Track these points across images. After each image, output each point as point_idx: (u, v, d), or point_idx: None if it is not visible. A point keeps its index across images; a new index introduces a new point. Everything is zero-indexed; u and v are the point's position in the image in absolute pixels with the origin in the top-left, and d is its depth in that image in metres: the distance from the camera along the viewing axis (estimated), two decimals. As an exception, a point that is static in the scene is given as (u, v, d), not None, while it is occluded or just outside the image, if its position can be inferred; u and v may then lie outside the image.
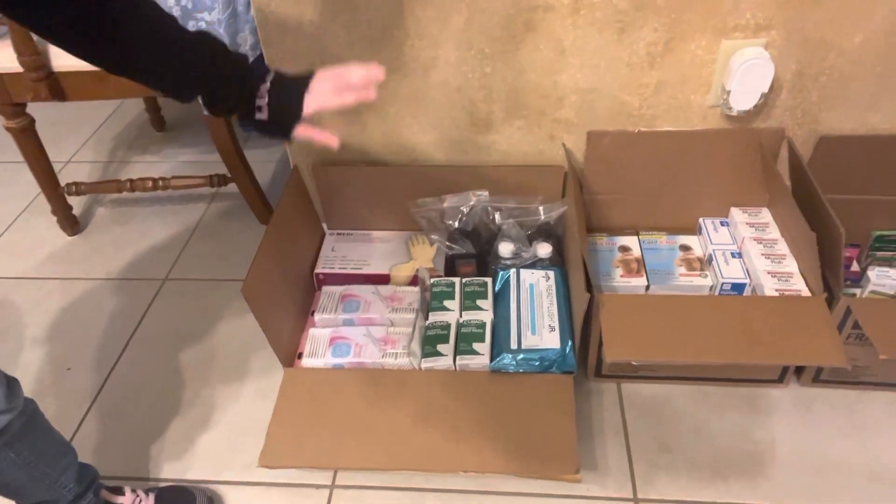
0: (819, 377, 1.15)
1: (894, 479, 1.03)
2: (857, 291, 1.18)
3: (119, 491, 1.00)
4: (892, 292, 1.16)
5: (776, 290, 1.09)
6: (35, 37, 1.24)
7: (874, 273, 1.17)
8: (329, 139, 0.83)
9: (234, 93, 0.78)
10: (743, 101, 1.07)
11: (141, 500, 1.00)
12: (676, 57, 1.09)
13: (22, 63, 1.25)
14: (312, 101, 0.80)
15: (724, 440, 1.09)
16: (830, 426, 1.10)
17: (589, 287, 1.00)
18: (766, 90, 1.06)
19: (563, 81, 1.14)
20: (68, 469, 0.92)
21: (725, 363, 1.03)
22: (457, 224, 1.27)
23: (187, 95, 0.78)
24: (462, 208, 1.26)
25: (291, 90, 0.80)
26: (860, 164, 1.20)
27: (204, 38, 0.77)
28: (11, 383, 0.82)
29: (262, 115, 0.79)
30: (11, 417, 0.80)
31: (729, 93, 1.08)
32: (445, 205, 1.27)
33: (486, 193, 1.26)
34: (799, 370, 1.16)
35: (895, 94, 1.12)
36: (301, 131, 0.81)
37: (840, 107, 1.14)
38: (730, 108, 1.10)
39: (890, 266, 1.19)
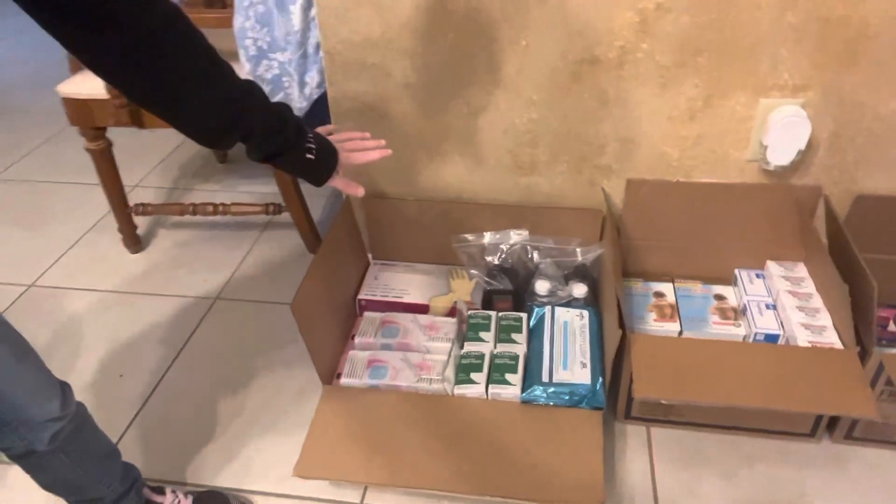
0: (852, 433, 1.14)
1: (927, 542, 1.01)
2: (894, 352, 1.18)
3: (160, 491, 1.05)
4: (929, 354, 1.16)
5: (809, 343, 1.10)
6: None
7: (911, 334, 1.17)
8: (356, 189, 0.95)
9: (292, 133, 0.83)
10: (780, 156, 1.11)
11: (180, 501, 1.04)
12: (716, 112, 1.14)
13: (109, 91, 1.38)
14: (343, 157, 0.92)
15: (751, 491, 1.08)
16: (861, 485, 1.09)
17: (622, 324, 1.03)
18: (802, 147, 1.10)
19: (606, 130, 1.20)
20: (113, 468, 0.96)
21: (755, 408, 1.04)
22: (496, 261, 1.32)
23: (233, 138, 0.78)
24: (502, 246, 1.32)
25: (327, 140, 0.91)
26: (897, 225, 1.22)
27: (253, 85, 0.79)
28: (66, 391, 0.85)
29: (312, 155, 0.87)
30: (64, 424, 0.84)
31: (766, 148, 1.12)
32: (486, 241, 1.33)
33: (526, 233, 1.31)
34: (831, 425, 1.15)
35: (932, 158, 1.15)
36: (332, 181, 0.92)
37: (876, 168, 1.17)
38: (767, 163, 1.14)
39: (927, 328, 1.19)
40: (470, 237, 1.34)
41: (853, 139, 1.15)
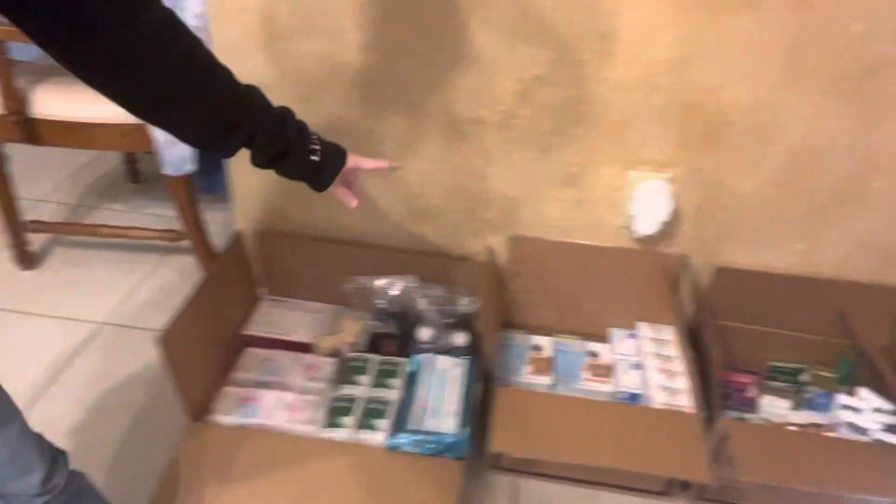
0: (704, 495, 1.20)
1: None
2: (751, 417, 1.25)
3: None
4: (780, 421, 1.23)
5: (664, 404, 1.16)
6: (20, 84, 1.35)
7: (765, 401, 1.25)
8: (350, 198, 0.93)
9: (294, 134, 0.81)
10: (644, 225, 1.18)
11: None
12: (591, 179, 1.21)
13: (7, 107, 1.36)
14: (351, 160, 0.91)
15: (605, 545, 1.12)
16: (708, 545, 1.14)
17: (485, 378, 1.07)
18: (664, 219, 1.17)
19: (490, 187, 1.25)
20: None
21: (600, 466, 1.09)
22: (384, 304, 1.34)
23: (234, 143, 0.77)
24: (390, 291, 1.34)
25: (332, 142, 0.89)
26: (757, 297, 1.30)
27: (252, 89, 0.78)
28: (56, 463, 0.79)
29: (317, 157, 0.85)
30: (48, 499, 0.77)
31: (632, 217, 1.19)
32: (376, 285, 1.35)
33: (414, 279, 1.35)
34: (685, 485, 1.21)
35: (785, 238, 1.24)
36: (332, 186, 0.90)
37: (736, 242, 1.26)
38: (633, 231, 1.21)
39: (781, 396, 1.27)
40: (361, 279, 1.36)
41: (715, 214, 1.23)
